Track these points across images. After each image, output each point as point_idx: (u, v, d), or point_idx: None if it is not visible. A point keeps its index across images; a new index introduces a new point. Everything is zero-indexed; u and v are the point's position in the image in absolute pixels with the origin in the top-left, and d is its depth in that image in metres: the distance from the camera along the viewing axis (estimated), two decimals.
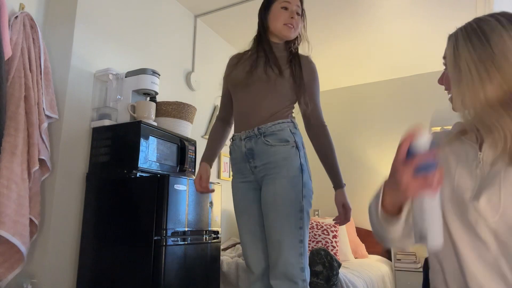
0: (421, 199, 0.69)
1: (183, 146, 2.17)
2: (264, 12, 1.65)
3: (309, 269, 1.41)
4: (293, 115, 1.58)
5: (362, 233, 3.91)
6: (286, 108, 1.53)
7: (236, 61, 1.63)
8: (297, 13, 1.58)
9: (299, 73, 1.52)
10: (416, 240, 0.72)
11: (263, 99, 1.50)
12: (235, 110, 1.64)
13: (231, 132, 1.74)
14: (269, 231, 1.41)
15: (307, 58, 1.60)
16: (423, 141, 0.64)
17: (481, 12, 2.90)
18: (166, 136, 2.09)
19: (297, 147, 1.46)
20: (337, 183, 1.57)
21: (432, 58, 3.73)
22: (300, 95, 1.53)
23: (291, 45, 1.60)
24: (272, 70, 1.49)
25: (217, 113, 3.18)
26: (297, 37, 1.61)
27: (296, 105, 1.58)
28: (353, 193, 4.17)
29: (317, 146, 1.57)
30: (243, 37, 3.55)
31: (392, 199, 0.79)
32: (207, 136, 3.03)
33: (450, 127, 0.97)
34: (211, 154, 1.68)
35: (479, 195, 0.78)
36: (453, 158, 0.87)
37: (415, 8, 2.94)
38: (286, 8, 1.57)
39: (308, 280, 1.38)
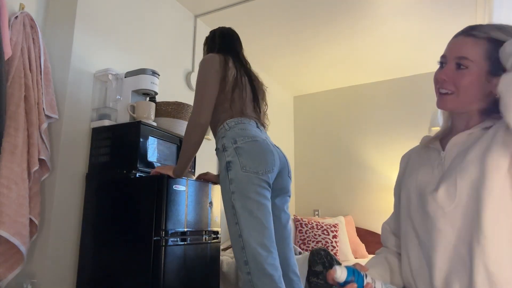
0: None
1: None
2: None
3: (258, 262, 1.43)
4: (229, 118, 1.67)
5: (362, 233, 3.92)
6: (221, 114, 1.68)
7: None
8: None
9: None
10: None
11: None
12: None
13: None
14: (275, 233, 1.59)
15: None
16: (340, 274, 0.78)
17: (481, 12, 2.90)
18: (165, 136, 2.09)
19: (223, 149, 1.58)
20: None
21: (432, 58, 3.73)
22: None
23: None
24: None
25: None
26: None
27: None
28: (353, 193, 4.17)
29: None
30: (243, 37, 3.55)
31: None
32: (207, 136, 3.03)
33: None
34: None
35: (438, 187, 0.87)
36: (417, 161, 0.99)
37: (415, 8, 2.94)
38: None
39: (256, 272, 1.42)
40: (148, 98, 2.20)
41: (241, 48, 1.87)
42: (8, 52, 1.71)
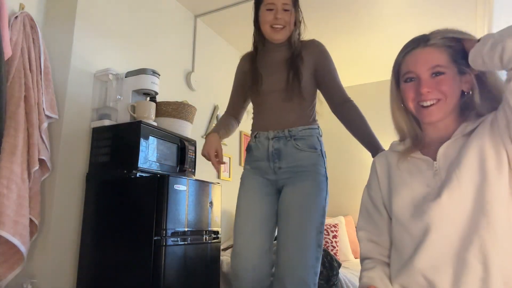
0: None
1: (183, 146, 2.17)
2: (255, 16, 1.58)
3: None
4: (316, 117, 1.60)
5: None
6: (310, 109, 1.55)
7: (249, 64, 1.61)
8: (285, 9, 1.50)
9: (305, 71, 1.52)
10: None
11: (289, 101, 1.50)
12: (257, 107, 1.60)
13: (237, 128, 1.75)
14: (287, 233, 1.37)
15: (313, 43, 1.60)
16: None
17: (481, 12, 2.90)
18: (166, 136, 2.09)
19: (322, 156, 1.52)
20: (375, 151, 1.50)
21: None
22: (316, 88, 1.58)
23: (292, 41, 1.57)
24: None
25: (219, 112, 3.19)
26: (295, 30, 1.57)
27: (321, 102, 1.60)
28: (353, 193, 4.17)
29: (348, 122, 1.56)
30: (243, 37, 3.55)
31: None
32: None
33: None
34: (221, 128, 1.61)
35: (440, 193, 0.89)
36: (406, 175, 1.00)
37: (415, 8, 2.94)
38: (271, 9, 1.49)
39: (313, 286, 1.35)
40: (148, 98, 2.20)
41: None
42: (8, 52, 1.71)
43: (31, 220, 1.75)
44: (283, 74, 1.50)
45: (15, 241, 1.64)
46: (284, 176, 1.47)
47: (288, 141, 1.47)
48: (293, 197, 1.42)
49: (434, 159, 0.96)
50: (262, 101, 1.55)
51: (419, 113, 0.98)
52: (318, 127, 1.56)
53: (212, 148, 1.49)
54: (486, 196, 0.84)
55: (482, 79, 0.94)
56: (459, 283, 0.82)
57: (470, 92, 0.96)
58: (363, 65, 3.91)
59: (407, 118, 1.04)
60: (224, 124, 1.64)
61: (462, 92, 0.97)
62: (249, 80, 1.58)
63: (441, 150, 0.95)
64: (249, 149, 1.59)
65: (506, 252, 0.81)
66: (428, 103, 0.94)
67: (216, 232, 2.10)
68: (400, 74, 1.02)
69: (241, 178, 1.58)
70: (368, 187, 1.12)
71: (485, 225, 0.82)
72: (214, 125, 3.13)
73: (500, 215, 0.82)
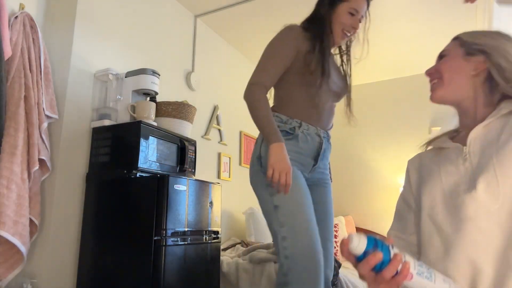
0: (405, 285, 0.66)
1: (183, 146, 2.17)
2: (327, 7, 1.50)
3: None
4: None
5: None
6: None
7: (319, 53, 1.45)
8: (360, 20, 1.50)
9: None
10: None
11: (335, 104, 1.60)
12: (309, 98, 1.46)
13: None
14: (327, 230, 1.50)
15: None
16: (357, 243, 0.63)
17: (481, 12, 2.90)
18: (166, 136, 2.09)
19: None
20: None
21: (432, 58, 3.72)
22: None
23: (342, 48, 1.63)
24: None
25: (219, 112, 3.19)
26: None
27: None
28: (353, 193, 4.17)
29: None
30: (243, 37, 3.56)
31: None
32: (207, 136, 3.03)
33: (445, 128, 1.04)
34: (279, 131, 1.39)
35: (475, 185, 0.79)
36: (433, 165, 0.94)
37: (415, 9, 2.94)
38: (352, 14, 1.47)
39: None
40: (148, 98, 2.20)
41: None
42: (8, 52, 1.71)
43: (31, 220, 1.75)
44: (343, 80, 1.58)
45: (15, 241, 1.64)
46: (316, 176, 1.53)
47: (329, 143, 1.55)
48: (328, 197, 1.56)
49: (465, 144, 0.88)
50: (318, 95, 1.46)
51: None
52: None
53: (289, 166, 1.31)
54: None
55: (494, 60, 0.89)
56: (503, 286, 0.72)
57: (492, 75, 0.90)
58: (365, 65, 3.91)
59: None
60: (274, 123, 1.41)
61: (487, 78, 0.90)
62: (318, 69, 1.44)
63: (472, 134, 0.87)
64: (293, 137, 1.43)
65: None
66: (431, 82, 0.99)
67: (216, 232, 2.10)
68: None
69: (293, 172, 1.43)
70: (403, 189, 1.03)
71: None
72: (214, 125, 3.14)
73: None
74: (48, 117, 1.88)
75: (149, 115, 2.04)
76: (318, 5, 1.56)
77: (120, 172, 1.89)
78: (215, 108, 3.19)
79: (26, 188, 1.72)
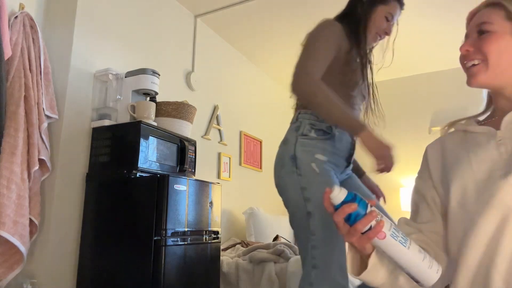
0: (378, 246, 0.68)
1: (183, 146, 2.17)
2: (366, 7, 1.45)
3: None
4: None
5: None
6: None
7: (361, 56, 1.43)
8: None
9: None
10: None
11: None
12: (348, 97, 1.41)
13: None
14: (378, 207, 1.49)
15: None
16: (337, 193, 0.66)
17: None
18: (166, 136, 2.09)
19: None
20: None
21: (432, 58, 3.73)
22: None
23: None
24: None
25: (219, 112, 3.18)
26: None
27: None
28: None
29: None
30: (243, 37, 3.56)
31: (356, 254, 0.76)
32: (207, 136, 3.03)
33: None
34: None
35: (511, 170, 0.71)
36: (462, 152, 0.83)
37: (415, 9, 2.94)
38: (387, 20, 1.44)
39: None
40: (148, 98, 2.20)
41: None
42: (8, 52, 1.71)
43: (31, 220, 1.75)
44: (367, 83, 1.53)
45: (15, 241, 1.64)
46: (343, 177, 1.48)
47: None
48: (360, 183, 1.53)
49: (498, 129, 0.80)
50: (354, 96, 1.43)
51: (467, 77, 0.85)
52: None
53: (389, 146, 1.23)
54: None
55: None
56: None
57: None
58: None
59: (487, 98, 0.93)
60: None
61: None
62: (358, 70, 1.43)
63: (507, 117, 0.79)
64: (330, 136, 1.36)
65: None
66: (470, 63, 0.83)
67: (216, 232, 2.10)
68: None
69: (325, 170, 1.31)
70: (416, 179, 0.95)
71: None
72: (214, 125, 3.14)
73: None
74: (48, 117, 1.88)
75: (149, 115, 2.04)
76: (354, 3, 1.50)
77: (120, 172, 1.89)
78: (215, 108, 3.19)
79: (26, 188, 1.72)
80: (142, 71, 2.10)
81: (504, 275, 0.69)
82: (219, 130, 3.24)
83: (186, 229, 1.86)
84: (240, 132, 3.57)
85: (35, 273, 1.79)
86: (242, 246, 2.70)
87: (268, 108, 4.08)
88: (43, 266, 1.80)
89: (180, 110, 2.23)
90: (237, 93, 3.61)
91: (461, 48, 0.84)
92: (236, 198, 3.34)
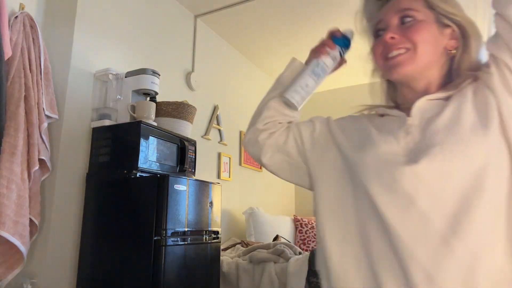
0: (310, 63, 0.92)
1: (183, 146, 2.17)
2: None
3: None
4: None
5: None
6: None
7: None
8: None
9: None
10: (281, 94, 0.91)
11: None
12: None
13: None
14: None
15: None
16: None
17: (481, 9, 2.90)
18: (166, 136, 2.09)
19: None
20: None
21: None
22: None
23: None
24: None
25: (219, 112, 3.18)
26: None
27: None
28: None
29: None
30: (243, 37, 3.56)
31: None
32: (207, 136, 3.03)
33: None
34: None
35: (417, 158, 0.69)
36: (374, 130, 0.81)
37: None
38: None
39: None
40: (148, 98, 2.20)
41: None
42: (8, 52, 1.71)
43: (31, 220, 1.75)
44: None
45: (15, 241, 1.64)
46: None
47: None
48: None
49: (409, 115, 0.77)
50: None
51: (386, 69, 0.80)
52: None
53: None
54: (475, 163, 0.66)
55: (466, 39, 0.79)
56: (439, 271, 0.64)
57: (455, 54, 0.80)
58: (362, 65, 3.91)
59: (386, 91, 0.92)
60: None
61: (451, 60, 0.80)
62: None
63: (419, 103, 0.77)
64: None
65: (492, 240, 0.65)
66: (395, 53, 0.77)
67: (216, 232, 2.10)
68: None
69: None
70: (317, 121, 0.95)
71: (478, 202, 0.65)
72: (214, 125, 3.14)
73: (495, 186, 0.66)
74: (48, 117, 1.88)
75: (149, 115, 2.04)
76: None
77: (120, 172, 1.89)
78: (215, 108, 3.19)
79: (26, 188, 1.72)
80: (142, 71, 2.10)
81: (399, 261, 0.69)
82: (219, 130, 3.24)
83: (186, 229, 1.86)
84: (240, 132, 3.57)
85: (35, 273, 1.80)
86: (242, 246, 2.70)
87: None
88: (43, 266, 1.80)
89: (180, 110, 2.23)
90: (237, 93, 3.61)
91: (383, 38, 0.79)
92: (236, 198, 3.35)
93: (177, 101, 2.27)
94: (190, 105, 2.31)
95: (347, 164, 0.80)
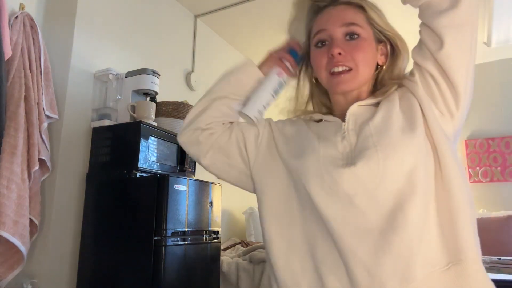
0: (269, 74, 0.93)
1: None
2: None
3: None
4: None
5: None
6: None
7: None
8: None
9: None
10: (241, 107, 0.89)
11: None
12: None
13: None
14: None
15: None
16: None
17: (481, 10, 2.90)
18: (166, 136, 2.09)
19: None
20: None
21: None
22: None
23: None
24: None
25: None
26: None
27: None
28: None
29: None
30: (243, 37, 3.56)
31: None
32: None
33: None
34: None
35: (354, 160, 0.73)
36: (313, 135, 0.84)
37: (412, 8, 2.94)
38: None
39: None
40: (148, 98, 2.20)
41: None
42: (8, 52, 1.71)
43: (31, 220, 1.75)
44: None
45: (15, 241, 1.64)
46: None
47: None
48: None
49: (343, 120, 0.82)
50: None
51: (330, 82, 0.83)
52: None
53: None
54: (406, 164, 0.71)
55: (395, 55, 0.85)
56: (378, 265, 0.67)
57: (383, 67, 0.86)
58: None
59: (318, 96, 0.94)
60: None
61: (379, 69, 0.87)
62: None
63: (352, 109, 0.81)
64: None
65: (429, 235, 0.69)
66: (340, 68, 0.80)
67: (216, 232, 2.10)
68: (311, 39, 0.88)
69: None
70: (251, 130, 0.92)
71: (411, 199, 0.69)
72: None
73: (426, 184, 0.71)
74: (48, 117, 1.88)
75: (149, 115, 2.04)
76: None
77: (120, 172, 1.89)
78: None
79: (26, 188, 1.72)
80: (142, 71, 2.10)
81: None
82: None
83: (186, 229, 1.86)
84: None
85: (35, 273, 1.80)
86: (242, 246, 2.70)
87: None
88: (43, 266, 1.80)
89: (180, 110, 2.23)
90: None
91: (330, 50, 0.81)
92: (236, 198, 3.34)
93: (177, 101, 2.26)
94: (190, 105, 2.31)
95: (290, 171, 0.82)
